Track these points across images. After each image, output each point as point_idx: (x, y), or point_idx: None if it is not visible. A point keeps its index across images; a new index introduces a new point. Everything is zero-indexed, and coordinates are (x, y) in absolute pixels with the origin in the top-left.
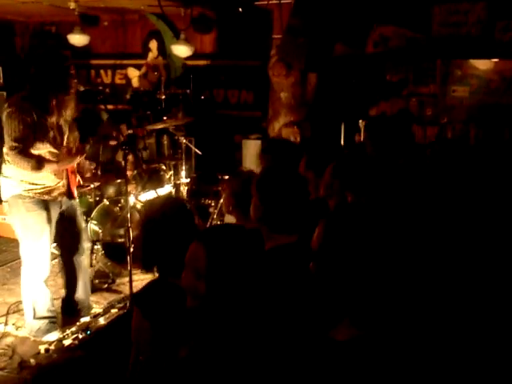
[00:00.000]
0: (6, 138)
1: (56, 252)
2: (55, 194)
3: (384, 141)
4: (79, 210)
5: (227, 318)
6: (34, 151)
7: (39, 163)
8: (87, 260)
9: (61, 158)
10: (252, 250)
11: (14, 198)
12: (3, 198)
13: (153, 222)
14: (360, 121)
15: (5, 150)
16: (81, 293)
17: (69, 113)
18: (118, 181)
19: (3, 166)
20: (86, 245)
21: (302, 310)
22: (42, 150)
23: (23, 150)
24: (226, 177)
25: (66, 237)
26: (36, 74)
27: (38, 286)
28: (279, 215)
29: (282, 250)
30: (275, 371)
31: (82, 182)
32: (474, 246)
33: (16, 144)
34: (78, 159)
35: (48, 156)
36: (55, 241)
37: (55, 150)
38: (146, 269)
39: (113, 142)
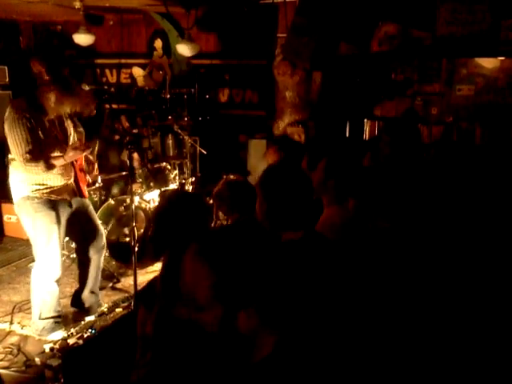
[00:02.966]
0: (12, 148)
1: (62, 251)
2: (63, 193)
3: (404, 140)
4: (92, 208)
5: None
6: (41, 153)
7: (48, 163)
8: (101, 258)
9: (67, 151)
10: None
11: (23, 200)
12: (14, 200)
13: (166, 211)
14: (365, 120)
15: (10, 155)
16: (90, 290)
17: (72, 110)
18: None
19: (10, 168)
20: (102, 242)
21: (308, 306)
22: (49, 152)
23: (31, 158)
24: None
25: (80, 235)
26: (33, 72)
27: (48, 286)
28: (283, 212)
29: (288, 246)
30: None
31: (90, 181)
32: (478, 246)
33: (24, 156)
34: (84, 153)
35: (54, 153)
36: (70, 238)
37: (58, 152)
38: (157, 255)
39: (116, 137)
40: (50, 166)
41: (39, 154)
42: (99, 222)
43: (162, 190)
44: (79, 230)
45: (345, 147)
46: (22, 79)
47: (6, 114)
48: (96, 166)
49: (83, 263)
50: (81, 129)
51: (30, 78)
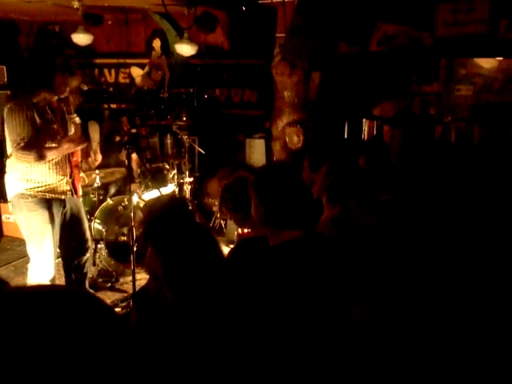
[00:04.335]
0: (9, 136)
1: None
2: (58, 191)
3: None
4: (83, 210)
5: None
6: (35, 143)
7: (40, 153)
8: (90, 260)
9: (62, 142)
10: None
11: (17, 198)
12: (8, 197)
13: (153, 219)
14: (364, 120)
15: (8, 149)
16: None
17: (70, 107)
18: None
19: (7, 164)
20: (90, 244)
21: (309, 305)
22: (44, 142)
23: (25, 145)
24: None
25: (69, 237)
26: (34, 71)
27: None
28: (280, 212)
29: (287, 246)
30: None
31: (86, 181)
32: (476, 245)
33: (18, 141)
34: (80, 146)
35: (49, 144)
36: (59, 240)
37: (55, 144)
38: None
39: (117, 138)
40: (41, 157)
41: (33, 143)
42: (88, 226)
43: (150, 199)
44: (66, 231)
45: (346, 150)
46: (20, 79)
47: (6, 105)
48: (98, 155)
49: (67, 264)
50: (77, 119)
51: (28, 76)
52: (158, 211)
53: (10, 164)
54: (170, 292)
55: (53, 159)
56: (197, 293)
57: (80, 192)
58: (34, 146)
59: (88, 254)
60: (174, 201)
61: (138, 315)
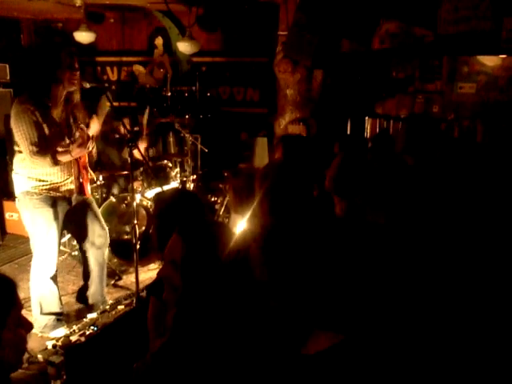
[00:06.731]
0: (19, 141)
1: (64, 249)
2: (63, 190)
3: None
4: (94, 206)
5: (201, 310)
6: (48, 147)
7: (54, 158)
8: (104, 255)
9: (73, 147)
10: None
11: (23, 194)
12: (16, 194)
13: (166, 207)
14: (366, 118)
15: (16, 148)
16: (94, 287)
17: (76, 106)
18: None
19: (14, 161)
20: (105, 239)
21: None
22: (55, 146)
23: (39, 151)
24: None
25: (82, 231)
26: (35, 68)
27: (45, 281)
28: (285, 207)
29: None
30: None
31: (95, 179)
32: (478, 243)
33: (31, 148)
34: (90, 149)
35: (61, 149)
36: (72, 235)
37: (64, 146)
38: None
39: (116, 136)
40: (56, 162)
41: (46, 148)
42: (102, 220)
43: (158, 192)
44: (79, 227)
45: (356, 144)
46: (22, 77)
47: (12, 107)
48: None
49: (85, 260)
50: (83, 125)
51: (33, 74)
52: (179, 200)
53: (17, 162)
54: (180, 280)
55: None
56: (208, 284)
57: (89, 191)
58: (48, 151)
59: (102, 250)
60: (189, 192)
61: (160, 303)
